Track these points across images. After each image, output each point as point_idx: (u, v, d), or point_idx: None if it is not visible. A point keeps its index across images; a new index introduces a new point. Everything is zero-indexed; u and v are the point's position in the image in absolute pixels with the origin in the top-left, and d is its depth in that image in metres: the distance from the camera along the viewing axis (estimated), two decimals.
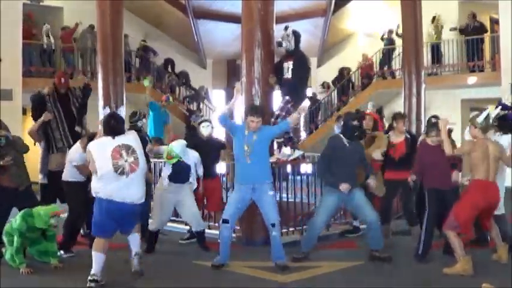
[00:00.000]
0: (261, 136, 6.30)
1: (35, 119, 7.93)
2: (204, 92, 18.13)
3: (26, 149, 7.07)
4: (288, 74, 7.75)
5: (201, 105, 18.43)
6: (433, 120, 6.72)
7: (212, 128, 7.73)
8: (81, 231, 7.88)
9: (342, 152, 6.38)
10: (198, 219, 7.18)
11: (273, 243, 6.30)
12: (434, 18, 15.68)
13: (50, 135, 7.91)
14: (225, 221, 6.27)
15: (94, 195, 5.62)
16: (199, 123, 7.84)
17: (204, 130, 7.69)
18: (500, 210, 6.66)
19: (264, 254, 6.61)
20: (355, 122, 6.43)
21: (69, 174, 7.04)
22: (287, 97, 7.73)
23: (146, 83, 11.20)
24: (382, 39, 16.90)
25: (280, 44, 7.75)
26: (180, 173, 7.01)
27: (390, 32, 16.61)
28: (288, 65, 7.75)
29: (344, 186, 6.27)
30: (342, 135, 6.49)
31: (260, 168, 6.28)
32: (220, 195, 7.90)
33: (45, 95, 7.93)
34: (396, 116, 7.66)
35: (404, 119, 7.78)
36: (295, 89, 7.71)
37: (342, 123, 6.66)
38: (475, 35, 15.05)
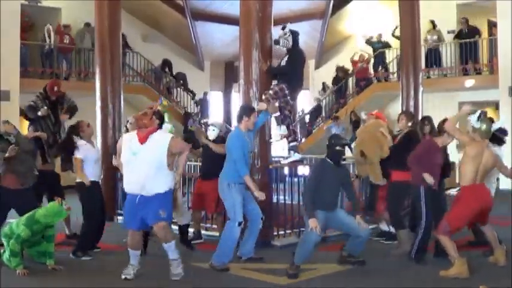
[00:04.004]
0: (251, 135, 6.59)
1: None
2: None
3: (31, 148, 7.15)
4: (283, 64, 7.73)
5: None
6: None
7: (219, 131, 7.76)
8: (67, 231, 7.81)
9: (330, 175, 6.19)
10: (182, 216, 7.17)
11: (254, 237, 6.59)
12: (433, 24, 15.69)
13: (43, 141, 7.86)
14: (241, 223, 6.32)
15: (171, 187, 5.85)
16: (208, 126, 7.90)
17: (210, 134, 7.73)
18: None
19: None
20: (339, 148, 6.28)
21: (88, 174, 6.86)
22: (282, 85, 7.53)
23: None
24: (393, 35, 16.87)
25: (277, 42, 7.69)
26: None
27: (380, 35, 16.79)
28: (284, 58, 7.72)
29: (312, 223, 5.87)
30: (329, 160, 6.29)
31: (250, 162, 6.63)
32: (216, 196, 7.47)
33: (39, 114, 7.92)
34: (400, 112, 7.58)
35: (407, 115, 7.52)
36: (291, 78, 7.61)
37: (328, 147, 6.36)
38: (469, 39, 15.09)
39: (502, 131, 7.01)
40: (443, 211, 6.50)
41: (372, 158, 7.54)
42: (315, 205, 6.01)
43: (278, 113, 7.71)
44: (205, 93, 18.82)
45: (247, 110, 6.63)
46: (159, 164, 5.62)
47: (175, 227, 7.40)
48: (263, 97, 7.34)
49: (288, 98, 7.54)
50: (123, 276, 5.76)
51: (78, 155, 6.79)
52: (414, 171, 6.52)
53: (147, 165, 5.59)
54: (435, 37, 15.59)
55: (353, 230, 6.28)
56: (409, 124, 7.33)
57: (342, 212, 6.41)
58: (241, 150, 6.34)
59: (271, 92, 7.40)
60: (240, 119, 6.54)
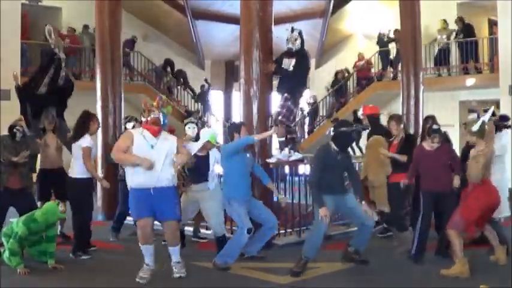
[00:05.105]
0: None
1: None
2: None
3: (38, 150, 7.22)
4: (289, 69, 7.73)
5: (200, 106, 18.52)
6: (435, 126, 6.66)
7: (198, 129, 7.67)
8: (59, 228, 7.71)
9: (333, 162, 6.11)
10: (216, 226, 6.71)
11: (264, 241, 6.70)
12: (446, 23, 15.69)
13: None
14: (250, 230, 6.32)
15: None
16: (185, 124, 7.72)
17: (190, 131, 7.59)
18: (502, 213, 6.77)
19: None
20: (360, 130, 6.30)
21: (77, 171, 6.83)
22: (286, 94, 7.68)
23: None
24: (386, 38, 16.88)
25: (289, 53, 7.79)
26: (197, 170, 6.60)
27: (383, 34, 16.79)
28: (290, 62, 7.72)
29: (323, 212, 5.91)
30: (333, 145, 6.17)
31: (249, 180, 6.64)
32: None
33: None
34: (389, 118, 7.66)
35: (396, 120, 7.58)
36: (295, 85, 7.68)
37: (336, 131, 6.24)
38: (465, 38, 15.10)
39: (503, 118, 7.27)
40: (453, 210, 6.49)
41: (374, 181, 7.46)
42: (323, 191, 6.00)
43: (283, 138, 7.86)
44: (202, 86, 18.65)
45: (237, 127, 6.73)
46: (170, 159, 5.72)
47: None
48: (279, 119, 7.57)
49: (294, 113, 7.75)
50: (137, 280, 5.68)
51: (85, 144, 6.78)
52: (419, 180, 6.62)
53: (163, 157, 5.70)
54: (444, 36, 15.58)
55: (359, 217, 6.24)
56: (401, 127, 7.47)
57: (351, 197, 6.29)
58: (238, 160, 6.46)
59: (280, 117, 7.59)
60: (232, 136, 6.67)
